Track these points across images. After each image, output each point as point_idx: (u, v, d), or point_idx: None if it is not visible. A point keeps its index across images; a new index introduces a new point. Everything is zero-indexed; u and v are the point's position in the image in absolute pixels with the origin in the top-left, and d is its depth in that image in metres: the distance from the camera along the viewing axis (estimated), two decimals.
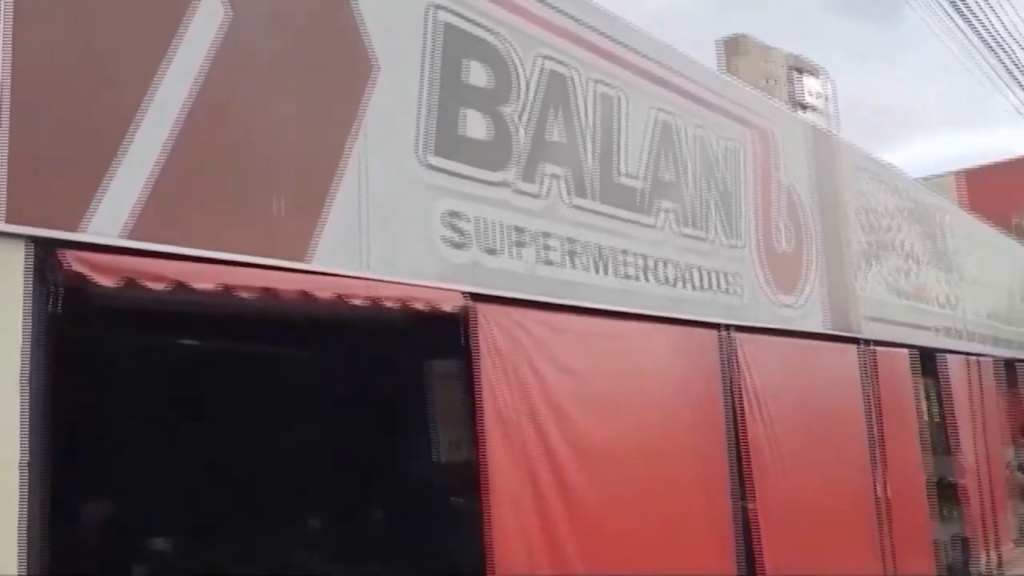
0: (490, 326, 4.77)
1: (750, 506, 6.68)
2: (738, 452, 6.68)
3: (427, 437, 6.13)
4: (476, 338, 4.67)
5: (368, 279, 4.21)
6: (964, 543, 10.93)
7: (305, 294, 3.91)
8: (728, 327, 6.79)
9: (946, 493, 10.80)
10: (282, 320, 5.54)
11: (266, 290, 3.75)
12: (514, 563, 4.67)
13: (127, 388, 6.05)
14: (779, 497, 6.94)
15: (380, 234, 4.36)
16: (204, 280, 3.52)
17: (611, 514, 5.35)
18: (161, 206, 3.49)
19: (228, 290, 3.61)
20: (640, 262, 6.05)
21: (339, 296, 4.04)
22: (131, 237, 3.39)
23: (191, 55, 3.68)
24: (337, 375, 6.42)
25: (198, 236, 3.59)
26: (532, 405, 4.97)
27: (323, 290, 3.98)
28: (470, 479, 5.97)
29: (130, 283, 3.30)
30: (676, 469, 6.10)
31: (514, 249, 5.09)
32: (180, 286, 3.43)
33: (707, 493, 6.36)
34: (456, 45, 4.94)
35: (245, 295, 3.67)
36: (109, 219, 3.34)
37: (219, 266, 3.60)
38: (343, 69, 4.38)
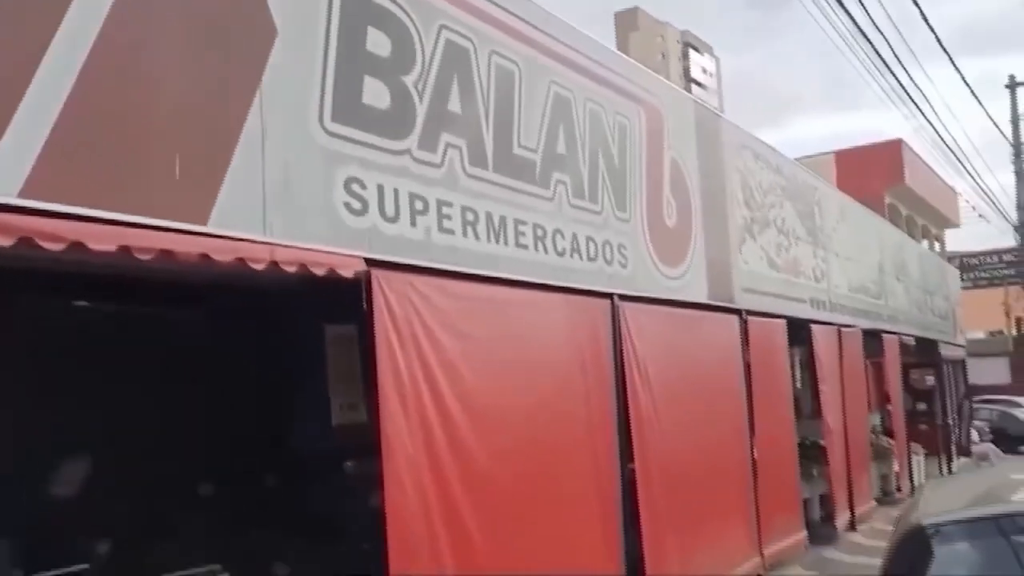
0: (388, 292, 4.88)
1: (632, 467, 7.04)
2: (624, 416, 7.02)
3: (322, 400, 6.20)
4: (374, 303, 4.77)
5: (268, 243, 4.24)
6: (826, 500, 11.76)
7: (205, 257, 3.92)
8: (617, 296, 7.10)
9: (812, 454, 11.57)
10: (172, 282, 5.51)
11: (165, 252, 3.75)
12: (409, 520, 4.84)
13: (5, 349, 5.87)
14: (660, 458, 7.33)
15: (280, 199, 4.39)
16: (102, 241, 3.51)
17: (503, 473, 5.58)
18: (58, 166, 3.45)
19: (126, 251, 3.60)
20: (535, 232, 6.25)
21: (239, 260, 4.07)
22: (27, 196, 3.34)
23: (88, 14, 3.62)
24: (229, 338, 6.38)
25: (96, 197, 3.57)
26: (428, 369, 5.12)
27: (223, 253, 4.00)
28: (364, 441, 6.13)
29: (26, 243, 3.26)
30: (565, 431, 6.38)
31: (413, 217, 5.19)
32: (77, 246, 3.41)
33: (594, 454, 6.67)
34: (358, 13, 4.98)
35: (143, 257, 3.66)
36: (4, 178, 3.29)
37: (118, 227, 3.59)
38: (244, 33, 4.36)
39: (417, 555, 4.87)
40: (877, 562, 10.06)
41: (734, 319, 9.31)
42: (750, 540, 9.06)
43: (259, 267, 4.17)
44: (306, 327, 6.26)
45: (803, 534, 10.54)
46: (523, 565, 5.70)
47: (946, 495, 3.94)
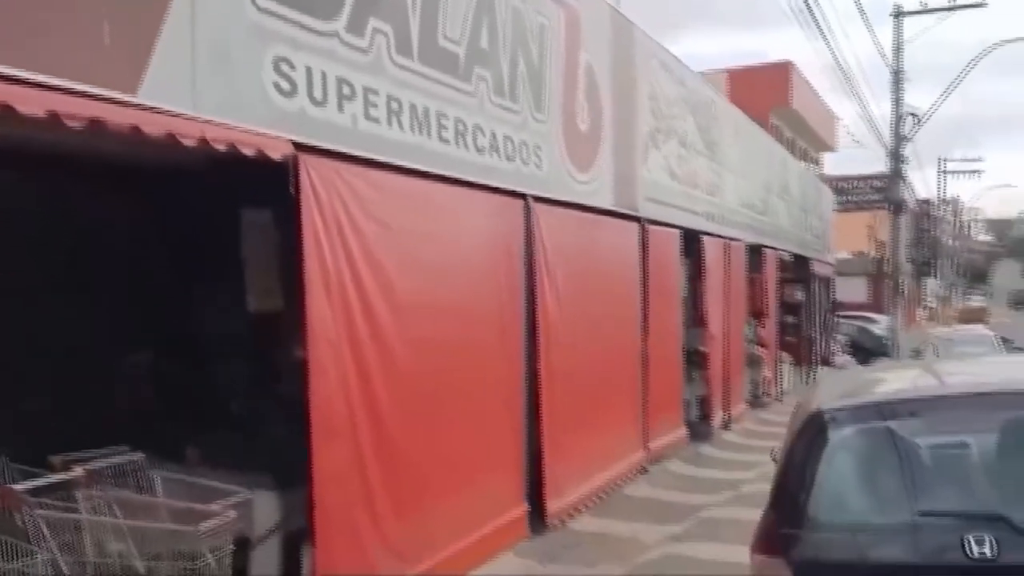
0: (315, 178, 4.82)
1: (537, 364, 7.29)
2: (531, 315, 7.23)
3: (239, 286, 6.10)
4: (301, 189, 4.72)
5: (199, 120, 4.11)
6: (704, 402, 12.48)
7: (135, 129, 3.77)
8: (531, 198, 7.20)
9: (693, 359, 12.20)
10: (75, 160, 5.27)
11: (95, 121, 3.60)
12: (331, 405, 4.92)
13: None
14: (562, 358, 7.60)
15: (210, 74, 4.24)
16: (30, 104, 3.33)
17: (419, 364, 5.70)
18: None
19: (55, 118, 3.43)
20: (456, 127, 6.24)
21: (170, 135, 3.94)
22: None
23: None
24: (137, 220, 6.17)
25: (22, 57, 3.37)
26: (351, 258, 5.12)
27: (154, 127, 3.86)
28: (280, 327, 6.11)
29: None
30: (478, 326, 6.53)
31: (340, 102, 5.10)
32: (5, 108, 3.23)
33: (504, 351, 6.87)
34: None
35: (73, 125, 3.50)
36: None
37: (46, 92, 3.41)
38: None
39: (337, 436, 4.97)
40: (747, 457, 11.02)
41: (635, 227, 9.60)
42: (638, 435, 9.58)
43: (189, 143, 4.04)
44: (218, 212, 6.10)
45: (683, 431, 11.20)
46: (434, 450, 5.89)
47: (837, 386, 4.31)
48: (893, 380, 4.64)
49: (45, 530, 4.23)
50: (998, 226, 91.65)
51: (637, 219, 9.60)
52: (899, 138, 21.66)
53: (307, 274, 4.76)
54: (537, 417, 7.23)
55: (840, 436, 3.60)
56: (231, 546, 4.55)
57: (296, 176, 4.67)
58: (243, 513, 4.66)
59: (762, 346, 15.99)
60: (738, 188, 14.05)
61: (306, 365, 4.75)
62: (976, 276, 77.30)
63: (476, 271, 6.55)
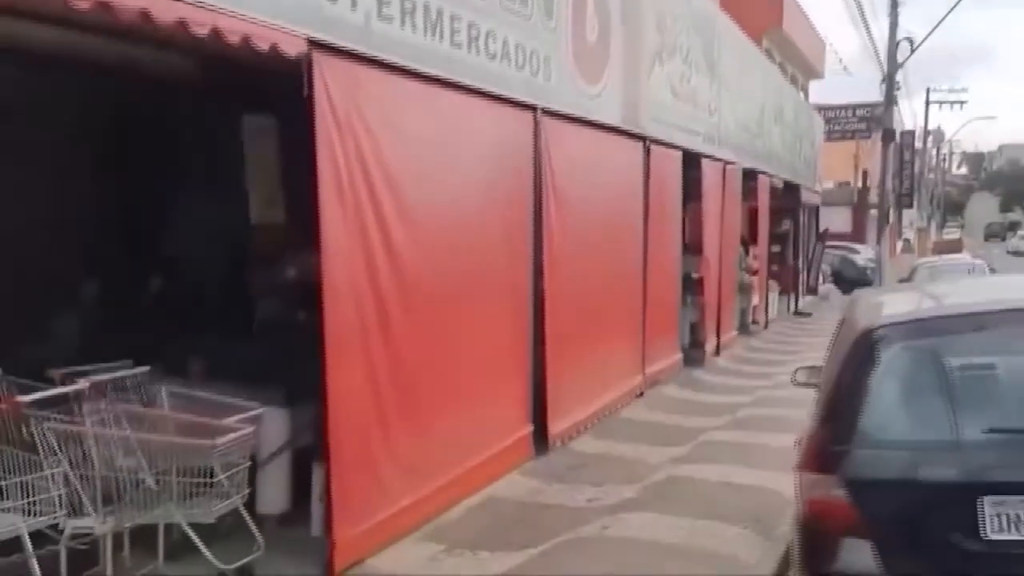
0: (329, 79, 4.53)
1: (543, 282, 7.12)
2: (538, 233, 7.02)
3: (240, 195, 5.83)
4: (315, 90, 4.43)
5: (212, 8, 3.80)
6: (696, 328, 12.43)
7: (144, 15, 3.48)
8: (540, 110, 6.92)
9: (687, 285, 12.09)
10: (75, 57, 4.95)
11: (103, 4, 3.29)
12: (345, 316, 4.72)
13: None
14: (567, 276, 7.43)
15: None
16: None
17: (431, 278, 5.51)
18: None
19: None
20: (469, 31, 5.92)
21: (180, 22, 3.64)
22: None
23: None
24: (135, 125, 5.85)
25: None
26: (364, 164, 4.87)
27: (164, 13, 3.55)
28: (281, 238, 5.87)
29: None
30: (488, 242, 6.33)
31: None
32: None
33: (511, 267, 6.68)
34: None
35: (81, 5, 3.20)
36: None
37: None
38: None
39: (351, 351, 4.80)
40: (741, 382, 11.02)
41: (639, 146, 9.35)
42: (637, 359, 9.50)
43: (201, 32, 3.74)
44: (217, 118, 5.79)
45: (678, 356, 11.14)
46: (444, 367, 5.74)
47: (884, 304, 4.18)
48: (934, 297, 4.51)
49: (54, 443, 4.04)
50: (974, 159, 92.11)
51: (641, 138, 9.35)
52: (894, 63, 21.33)
53: (320, 182, 4.51)
54: (541, 337, 7.08)
55: (891, 353, 3.47)
56: (247, 462, 4.41)
57: (310, 76, 4.38)
58: (254, 429, 4.50)
59: (751, 274, 15.94)
60: (736, 109, 13.77)
61: (319, 277, 4.53)
62: (952, 208, 77.88)
63: (486, 186, 6.30)
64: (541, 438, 7.12)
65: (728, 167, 12.91)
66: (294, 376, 5.36)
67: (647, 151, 9.47)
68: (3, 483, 3.97)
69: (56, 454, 4.05)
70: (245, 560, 4.44)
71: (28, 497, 4.02)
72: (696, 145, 11.42)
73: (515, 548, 5.17)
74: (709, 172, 11.85)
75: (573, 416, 7.70)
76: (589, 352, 8.03)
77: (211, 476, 4.31)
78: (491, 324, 6.43)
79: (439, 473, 5.66)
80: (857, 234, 32.89)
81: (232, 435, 4.18)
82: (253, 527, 4.59)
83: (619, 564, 4.95)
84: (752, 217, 16.10)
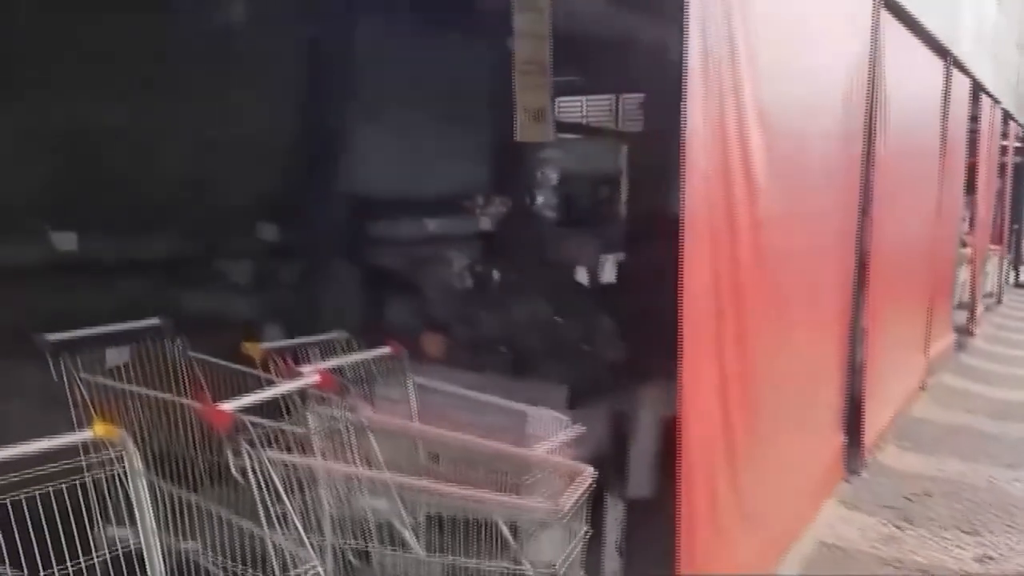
0: None
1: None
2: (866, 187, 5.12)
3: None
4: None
5: None
6: None
7: None
8: None
9: None
10: None
11: None
12: (701, 309, 2.98)
13: None
14: (887, 257, 5.54)
15: None
16: None
17: (774, 259, 3.72)
18: None
19: None
20: None
21: None
22: None
23: None
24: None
25: None
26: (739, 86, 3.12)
27: None
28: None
29: None
30: (826, 219, 4.55)
31: None
32: None
33: (840, 250, 4.85)
34: None
35: None
36: None
37: None
38: None
39: (706, 352, 3.08)
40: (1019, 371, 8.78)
41: (940, 65, 7.22)
42: (920, 341, 7.48)
43: None
44: None
45: (953, 337, 9.03)
46: (779, 367, 3.94)
47: None
48: None
49: (277, 481, 2.46)
50: None
51: (945, 53, 7.20)
52: None
53: (688, 98, 2.74)
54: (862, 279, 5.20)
55: None
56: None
57: None
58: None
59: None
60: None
61: (673, 244, 2.78)
62: None
63: (834, 153, 4.48)
64: (854, 451, 5.28)
65: (996, 107, 10.51)
66: (576, 364, 3.72)
67: (948, 73, 7.32)
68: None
69: (281, 499, 2.48)
70: None
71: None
72: (983, 75, 9.08)
73: None
74: (987, 113, 9.56)
75: (879, 420, 5.82)
76: (892, 333, 6.10)
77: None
78: (818, 313, 4.62)
79: (771, 514, 3.91)
80: None
81: (578, 487, 2.51)
82: None
83: None
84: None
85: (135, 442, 2.23)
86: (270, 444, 2.70)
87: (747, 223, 3.32)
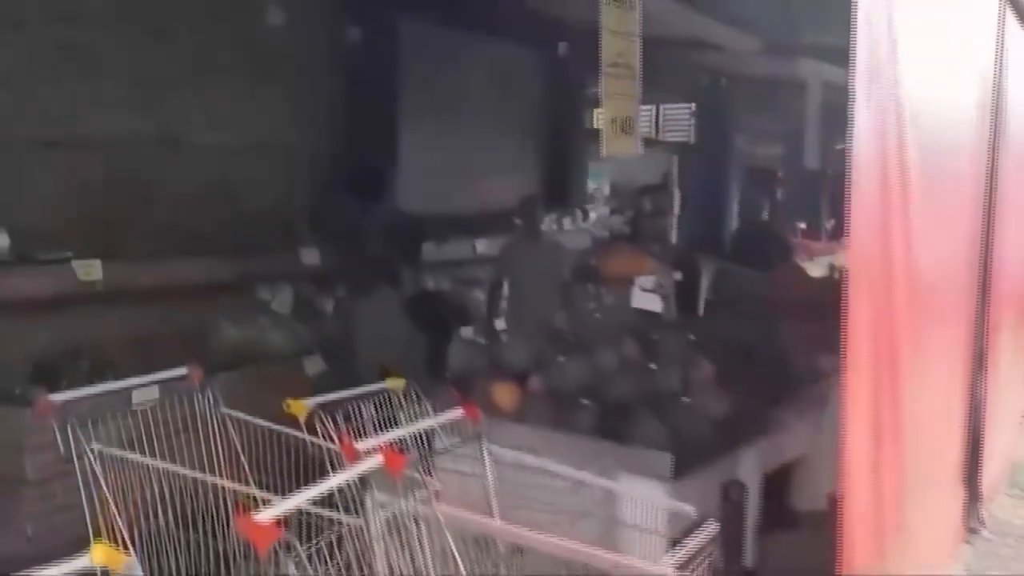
0: None
1: None
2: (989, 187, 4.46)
3: None
4: None
5: None
6: None
7: None
8: None
9: None
10: None
11: None
12: (866, 352, 2.36)
13: None
14: None
15: None
16: None
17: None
18: None
19: None
20: None
21: None
22: None
23: None
24: None
25: None
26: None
27: None
28: None
29: None
30: None
31: None
32: None
33: None
34: None
35: None
36: None
37: None
38: None
39: (866, 400, 2.46)
40: None
41: None
42: None
43: None
44: None
45: None
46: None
47: None
48: None
49: None
50: None
51: None
52: None
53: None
54: None
55: None
56: None
57: None
58: None
59: None
60: None
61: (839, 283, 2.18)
62: None
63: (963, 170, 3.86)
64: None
65: None
66: (677, 421, 3.13)
67: None
68: None
69: None
70: None
71: None
72: None
73: None
74: None
75: (994, 465, 5.14)
76: (1004, 363, 5.42)
77: None
78: (950, 348, 3.97)
79: None
80: None
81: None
82: None
83: None
84: None
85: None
86: (314, 537, 2.16)
87: (903, 252, 2.71)
